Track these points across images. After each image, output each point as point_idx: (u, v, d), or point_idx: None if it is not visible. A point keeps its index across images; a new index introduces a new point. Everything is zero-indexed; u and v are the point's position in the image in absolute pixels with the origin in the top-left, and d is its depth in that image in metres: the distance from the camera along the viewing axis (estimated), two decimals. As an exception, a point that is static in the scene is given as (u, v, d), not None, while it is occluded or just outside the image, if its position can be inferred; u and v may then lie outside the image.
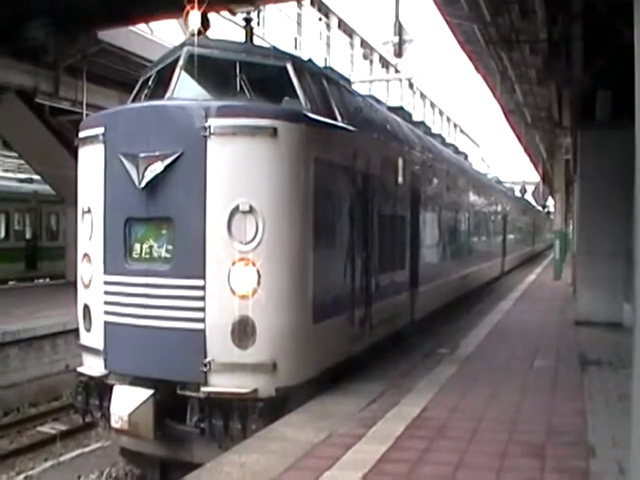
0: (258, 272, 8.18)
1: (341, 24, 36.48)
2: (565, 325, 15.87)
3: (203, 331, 8.21)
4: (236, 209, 8.19)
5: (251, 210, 8.20)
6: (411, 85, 49.23)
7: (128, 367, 8.66)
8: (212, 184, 8.22)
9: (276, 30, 29.78)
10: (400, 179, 12.83)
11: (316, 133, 8.98)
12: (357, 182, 10.33)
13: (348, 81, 12.00)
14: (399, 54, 9.36)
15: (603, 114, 15.45)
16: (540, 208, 55.75)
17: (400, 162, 12.85)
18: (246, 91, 8.90)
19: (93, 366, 9.01)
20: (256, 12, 17.26)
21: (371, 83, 33.10)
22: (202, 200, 8.21)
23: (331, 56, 34.69)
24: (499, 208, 30.01)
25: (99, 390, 8.94)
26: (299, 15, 31.78)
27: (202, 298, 8.22)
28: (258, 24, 27.87)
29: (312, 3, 32.33)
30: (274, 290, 8.28)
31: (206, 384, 8.17)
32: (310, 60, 10.92)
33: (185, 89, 9.06)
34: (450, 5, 16.07)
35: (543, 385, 9.86)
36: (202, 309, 8.23)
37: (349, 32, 37.84)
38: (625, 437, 5.53)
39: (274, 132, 8.25)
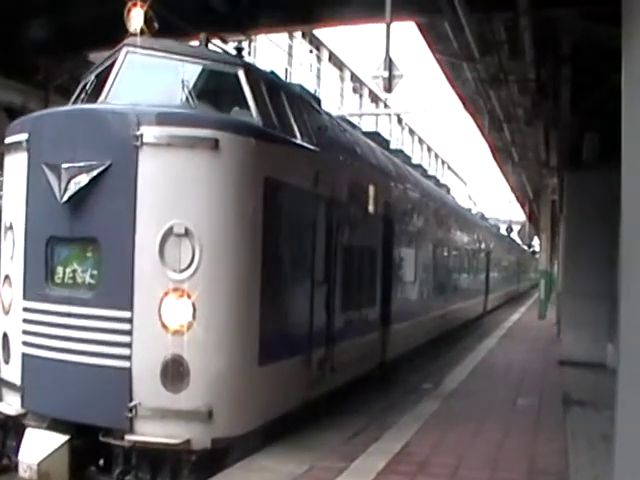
0: (193, 305, 7.15)
1: (332, 57, 36.80)
2: (549, 365, 15.87)
3: (129, 370, 7.15)
4: (170, 231, 7.18)
5: (187, 233, 7.18)
6: (400, 121, 49.60)
7: (46, 407, 7.54)
8: (143, 201, 7.20)
9: (267, 61, 30.03)
10: (371, 208, 11.68)
11: (267, 149, 7.97)
12: (318, 208, 9.28)
13: (317, 100, 11.02)
14: (389, 89, 9.27)
15: (590, 156, 15.63)
16: (525, 247, 56.09)
17: (372, 190, 11.71)
18: (190, 98, 7.90)
19: (12, 403, 7.91)
20: (247, 41, 17.23)
21: (360, 117, 33.29)
22: (131, 220, 7.19)
23: (321, 88, 34.90)
24: (482, 245, 29.43)
25: (17, 431, 7.77)
26: (290, 46, 32.04)
27: (129, 332, 7.16)
28: (249, 54, 28.06)
29: (303, 35, 32.60)
30: (212, 326, 7.25)
31: (131, 431, 7.10)
32: (272, 72, 10.05)
33: (122, 94, 8.05)
34: (440, 42, 16.26)
35: (526, 424, 9.83)
36: (128, 345, 7.17)
37: (339, 65, 38.19)
38: (607, 478, 5.52)
39: (215, 144, 7.26)
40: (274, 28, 16.45)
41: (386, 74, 8.85)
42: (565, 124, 16.28)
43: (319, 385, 9.28)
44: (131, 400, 7.10)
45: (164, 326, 7.13)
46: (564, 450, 8.36)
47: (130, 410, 7.08)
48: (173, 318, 7.15)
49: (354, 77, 39.89)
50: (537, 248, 59.82)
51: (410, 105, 42.03)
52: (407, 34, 20.04)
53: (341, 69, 38.26)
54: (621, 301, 5.40)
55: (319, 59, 35.40)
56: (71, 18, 14.83)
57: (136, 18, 8.18)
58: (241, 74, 8.22)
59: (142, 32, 8.25)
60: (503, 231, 46.70)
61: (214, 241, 7.30)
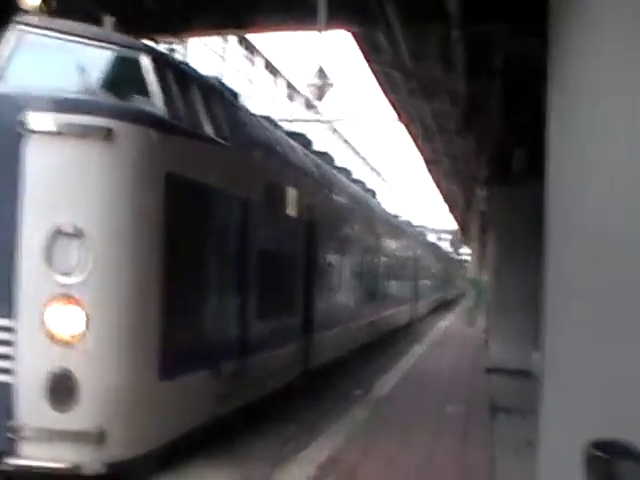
0: (84, 313, 6.48)
1: (267, 64, 36.75)
2: (477, 372, 16.15)
3: (9, 386, 6.40)
4: (58, 231, 6.50)
5: (77, 233, 6.51)
6: (334, 129, 49.78)
7: None
8: (29, 196, 6.51)
9: (200, 64, 29.71)
10: (291, 211, 11.08)
11: (170, 142, 7.35)
12: (230, 209, 8.74)
13: (235, 95, 10.55)
14: (320, 97, 9.29)
15: (518, 171, 15.98)
16: (455, 255, 56.96)
17: (292, 192, 11.09)
18: (88, 84, 7.22)
19: None
20: (180, 44, 16.90)
21: (291, 123, 33.20)
22: (15, 216, 6.48)
23: (254, 93, 34.76)
24: (410, 252, 29.56)
25: None
26: (224, 49, 31.80)
27: (9, 343, 6.45)
28: (182, 56, 27.74)
29: (240, 42, 32.42)
30: (105, 336, 6.58)
31: (13, 454, 6.34)
32: (184, 63, 9.48)
33: (12, 77, 7.24)
34: (374, 52, 16.41)
35: (455, 431, 9.99)
36: (9, 357, 6.44)
37: (274, 71, 38.15)
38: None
39: (109, 134, 6.60)
40: (207, 32, 16.30)
41: (319, 82, 8.86)
42: (495, 138, 16.61)
43: (231, 399, 8.62)
44: (12, 419, 6.37)
45: (50, 336, 6.42)
46: (491, 457, 8.51)
47: (11, 430, 6.34)
48: (61, 327, 6.44)
49: (289, 84, 39.93)
50: (466, 257, 60.92)
51: (343, 113, 42.31)
52: (343, 41, 20.09)
53: (275, 75, 38.22)
54: (546, 310, 5.56)
55: (253, 64, 35.26)
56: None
57: None
58: (145, 60, 7.52)
59: (41, 10, 7.80)
60: (432, 239, 47.34)
61: (108, 242, 6.65)
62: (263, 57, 35.67)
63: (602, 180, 5.01)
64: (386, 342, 21.52)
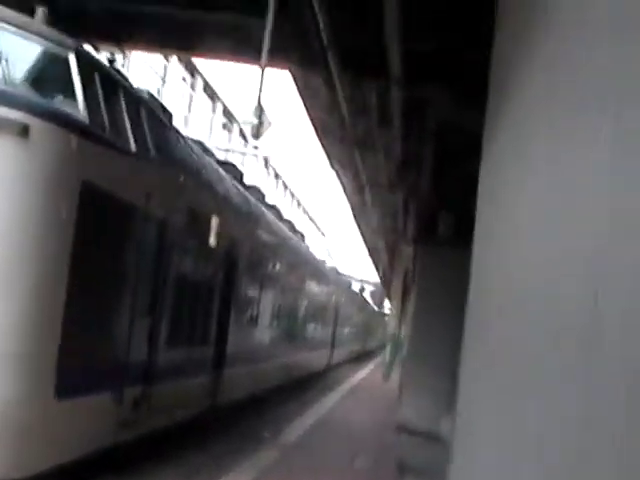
0: None
1: (206, 87, 36.40)
2: (387, 428, 16.05)
3: None
4: None
5: None
6: (266, 163, 49.72)
7: None
8: None
9: (139, 81, 29.26)
10: (212, 241, 10.72)
11: (90, 150, 6.97)
12: (147, 229, 8.39)
13: (167, 113, 10.21)
14: (256, 136, 9.18)
15: (445, 233, 16.18)
16: (376, 307, 57.27)
17: (215, 221, 10.75)
18: (6, 75, 6.81)
19: None
20: (121, 56, 16.55)
21: (226, 152, 32.96)
22: None
23: (191, 116, 34.41)
24: (332, 298, 29.39)
25: None
26: (165, 67, 31.46)
27: None
28: (123, 67, 27.35)
29: (180, 60, 32.13)
30: None
31: None
32: (116, 70, 9.13)
33: None
34: (313, 97, 16.47)
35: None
36: None
37: (212, 96, 37.84)
38: None
39: (24, 130, 6.22)
40: (149, 47, 16.06)
41: (255, 120, 8.76)
42: (423, 198, 16.80)
43: (133, 426, 8.27)
44: None
45: None
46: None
47: None
48: None
49: (226, 111, 39.68)
50: (387, 310, 61.39)
51: (279, 149, 42.42)
52: (283, 78, 20.05)
53: (213, 99, 37.98)
54: (461, 376, 5.52)
55: (193, 87, 34.97)
56: None
57: None
58: (72, 59, 7.06)
59: None
60: (356, 289, 47.49)
61: (7, 245, 6.24)
62: (203, 78, 35.38)
63: (526, 250, 5.02)
64: (299, 387, 21.30)
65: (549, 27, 3.94)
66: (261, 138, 9.18)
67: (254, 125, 8.82)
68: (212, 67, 33.90)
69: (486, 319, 5.27)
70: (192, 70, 33.68)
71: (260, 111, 8.98)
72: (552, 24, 3.89)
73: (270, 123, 9.43)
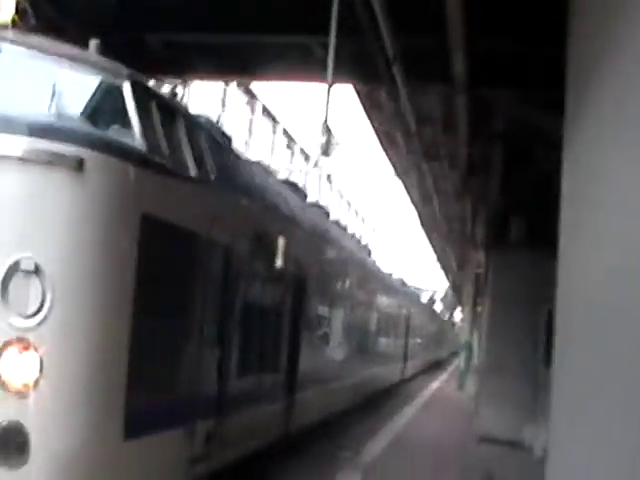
0: (41, 360, 5.84)
1: (264, 110, 36.80)
2: (468, 440, 15.78)
3: None
4: (15, 267, 5.90)
5: (37, 271, 5.91)
6: (330, 181, 49.87)
7: None
8: None
9: (200, 108, 29.55)
10: (279, 262, 10.36)
11: (149, 180, 6.73)
12: (212, 257, 8.11)
13: (227, 137, 10.03)
14: (326, 154, 9.06)
15: (517, 237, 15.92)
16: (445, 317, 56.76)
17: (281, 242, 10.41)
18: (59, 109, 6.60)
19: None
20: (183, 87, 16.67)
21: (289, 172, 33.15)
22: None
23: (253, 140, 34.77)
24: (402, 311, 29.12)
25: None
26: (224, 92, 31.85)
27: None
28: (183, 98, 27.69)
29: (238, 85, 32.45)
30: (64, 388, 5.93)
31: None
32: (172, 96, 8.78)
33: None
34: (377, 111, 16.45)
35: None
36: None
37: (272, 119, 38.21)
38: None
39: (79, 165, 6.01)
40: (210, 75, 16.20)
41: (324, 139, 8.68)
42: (493, 202, 16.58)
43: (205, 461, 7.91)
44: None
45: (3, 385, 5.79)
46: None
47: None
48: (14, 375, 5.80)
49: (286, 132, 40.02)
50: (456, 319, 60.78)
51: (341, 167, 42.38)
52: (344, 95, 20.02)
53: (274, 122, 38.33)
54: (553, 387, 5.35)
55: (253, 111, 35.37)
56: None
57: (5, 6, 6.99)
58: (126, 87, 6.84)
59: (13, 23, 7.04)
60: (425, 299, 47.12)
61: (71, 283, 6.04)
62: (261, 104, 35.79)
63: (614, 252, 4.83)
64: (373, 404, 21.06)
65: (633, 20, 3.78)
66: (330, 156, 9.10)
67: (323, 144, 8.71)
68: (269, 90, 34.26)
69: (575, 328, 5.10)
70: (251, 94, 34.08)
71: (327, 130, 8.90)
72: (636, 17, 3.74)
73: (339, 143, 9.31)
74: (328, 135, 8.65)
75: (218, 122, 10.48)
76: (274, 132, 38.58)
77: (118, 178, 6.32)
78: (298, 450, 11.80)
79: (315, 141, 8.83)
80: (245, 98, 34.05)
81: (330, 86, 8.69)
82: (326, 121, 8.69)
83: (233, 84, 31.37)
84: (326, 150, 8.70)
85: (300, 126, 38.30)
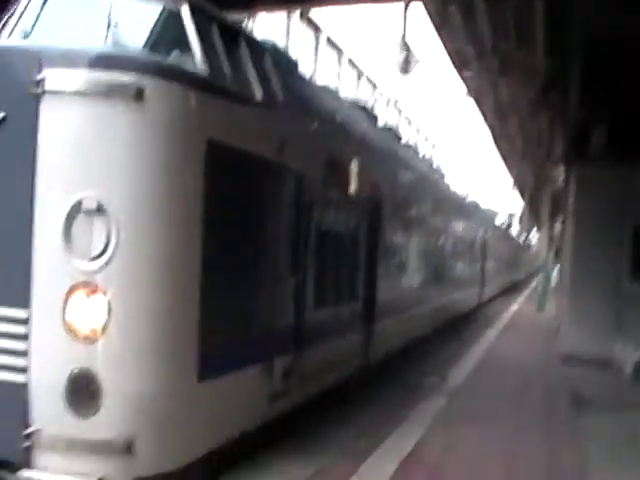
0: (109, 304, 5.60)
1: (329, 41, 36.32)
2: (552, 360, 15.58)
3: (25, 386, 5.58)
4: (78, 207, 5.59)
5: (100, 210, 5.60)
6: (397, 107, 49.09)
7: None
8: (44, 167, 5.62)
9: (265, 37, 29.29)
10: (353, 187, 9.97)
11: (213, 105, 6.36)
12: (283, 184, 7.75)
13: (293, 62, 9.61)
14: (406, 71, 8.67)
15: (598, 148, 15.31)
16: (521, 238, 55.99)
17: (354, 167, 9.97)
18: (117, 38, 6.33)
19: None
20: (248, 19, 16.41)
21: (356, 97, 32.87)
22: (28, 191, 5.60)
23: (319, 69, 34.42)
24: (478, 234, 28.54)
25: None
26: (288, 25, 31.49)
27: (24, 337, 5.62)
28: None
29: (301, 15, 31.95)
30: (134, 331, 5.70)
31: (28, 465, 5.54)
32: (234, 22, 8.21)
33: (34, 32, 6.47)
34: (449, 29, 15.90)
35: (539, 426, 9.51)
36: (24, 353, 5.61)
37: (335, 48, 37.71)
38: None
39: (139, 94, 5.65)
40: (278, 5, 15.76)
41: (402, 56, 8.36)
42: (572, 115, 15.96)
43: (285, 398, 7.70)
44: (28, 425, 5.53)
45: (71, 331, 5.57)
46: (582, 460, 7.97)
47: (27, 437, 5.51)
48: (82, 321, 5.59)
49: (351, 62, 39.47)
50: (533, 240, 59.96)
51: (407, 89, 41.60)
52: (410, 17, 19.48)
53: (338, 52, 37.77)
54: None
55: (317, 41, 34.87)
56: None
57: None
58: (185, 11, 6.49)
59: None
60: (500, 221, 46.39)
61: (136, 221, 5.73)
62: (326, 35, 35.29)
63: None
64: (454, 329, 20.93)
65: None
66: (410, 72, 8.79)
67: (402, 61, 8.39)
68: (333, 21, 33.75)
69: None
70: (314, 27, 33.58)
71: (405, 46, 8.57)
72: None
73: (418, 60, 8.96)
74: (407, 52, 8.32)
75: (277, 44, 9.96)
76: (339, 63, 38.06)
77: (180, 105, 5.96)
78: (382, 380, 11.75)
79: (393, 59, 8.52)
80: (309, 31, 33.60)
81: (407, 3, 8.36)
82: (404, 37, 8.36)
83: (296, 17, 30.96)
84: (406, 67, 8.39)
85: (365, 55, 37.83)
